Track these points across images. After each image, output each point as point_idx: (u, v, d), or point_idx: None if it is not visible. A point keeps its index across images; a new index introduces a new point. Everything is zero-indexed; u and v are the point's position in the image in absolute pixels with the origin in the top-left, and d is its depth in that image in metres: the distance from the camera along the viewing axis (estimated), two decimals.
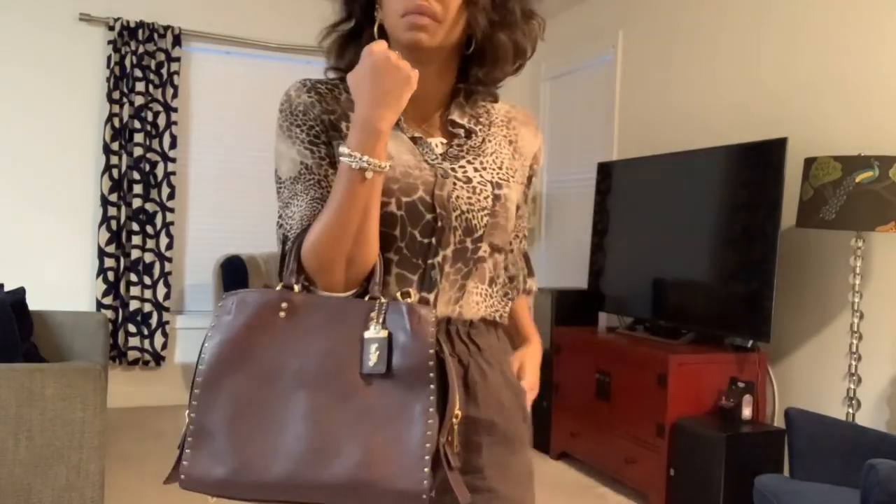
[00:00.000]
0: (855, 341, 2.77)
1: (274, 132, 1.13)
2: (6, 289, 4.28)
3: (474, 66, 1.16)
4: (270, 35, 4.90)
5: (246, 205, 4.93)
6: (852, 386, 2.78)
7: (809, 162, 2.80)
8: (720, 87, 3.75)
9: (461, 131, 1.18)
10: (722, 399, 3.14)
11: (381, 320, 0.99)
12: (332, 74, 1.19)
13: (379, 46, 1.01)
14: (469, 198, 1.13)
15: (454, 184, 1.12)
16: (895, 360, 2.88)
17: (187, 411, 1.00)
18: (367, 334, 0.98)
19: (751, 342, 3.34)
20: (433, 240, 1.10)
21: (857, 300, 2.77)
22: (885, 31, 2.95)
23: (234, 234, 4.92)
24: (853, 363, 2.78)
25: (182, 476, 0.97)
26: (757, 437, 2.99)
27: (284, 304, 1.00)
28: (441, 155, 1.15)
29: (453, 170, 1.14)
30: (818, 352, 3.18)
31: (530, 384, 1.25)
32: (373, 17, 1.15)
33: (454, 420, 0.98)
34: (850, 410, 2.77)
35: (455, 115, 1.17)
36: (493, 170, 1.17)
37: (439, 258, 1.11)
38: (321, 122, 1.11)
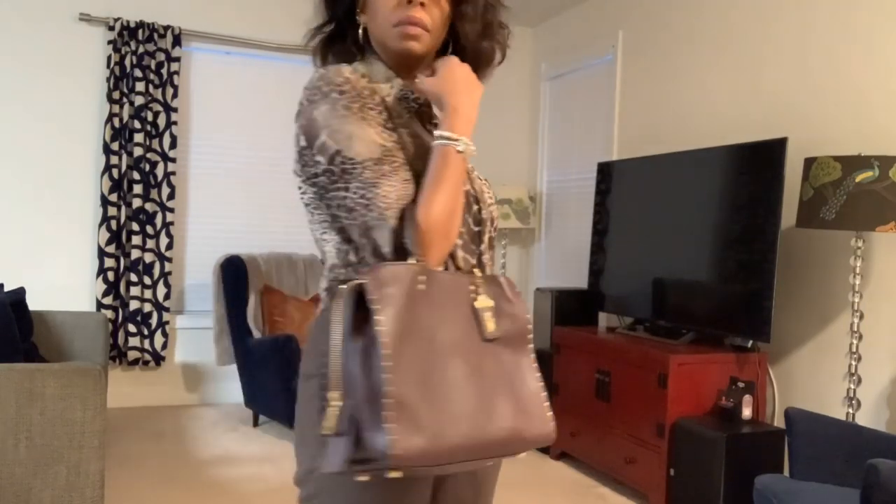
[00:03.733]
0: (855, 341, 2.77)
1: (321, 113, 1.12)
2: (6, 289, 4.28)
3: None
4: (270, 35, 4.90)
5: (246, 205, 4.93)
6: (852, 386, 2.78)
7: (809, 162, 2.80)
8: (720, 87, 3.75)
9: None
10: (722, 399, 3.14)
11: (483, 291, 1.11)
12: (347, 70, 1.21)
13: (454, 56, 1.20)
14: (488, 192, 1.28)
15: (477, 178, 1.27)
16: (895, 360, 2.88)
17: (335, 394, 0.99)
18: (477, 304, 1.09)
19: (751, 342, 3.34)
20: (480, 228, 1.23)
21: (857, 300, 2.77)
22: (886, 32, 2.95)
23: (234, 234, 4.92)
24: (853, 363, 2.78)
25: (394, 452, 0.95)
26: (757, 437, 2.99)
27: (423, 277, 1.06)
28: None
29: (471, 167, 1.27)
30: (818, 352, 3.18)
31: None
32: (354, 20, 1.25)
33: None
34: (850, 410, 2.77)
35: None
36: (493, 170, 1.29)
37: (483, 246, 1.24)
38: (385, 107, 1.17)
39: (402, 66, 1.22)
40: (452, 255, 1.17)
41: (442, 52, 1.26)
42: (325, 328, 1.11)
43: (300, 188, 1.19)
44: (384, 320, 0.99)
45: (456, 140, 1.12)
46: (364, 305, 1.02)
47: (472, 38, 1.25)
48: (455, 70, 1.17)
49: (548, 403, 1.11)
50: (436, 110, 1.23)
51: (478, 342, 1.07)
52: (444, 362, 1.02)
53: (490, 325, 1.09)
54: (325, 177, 1.12)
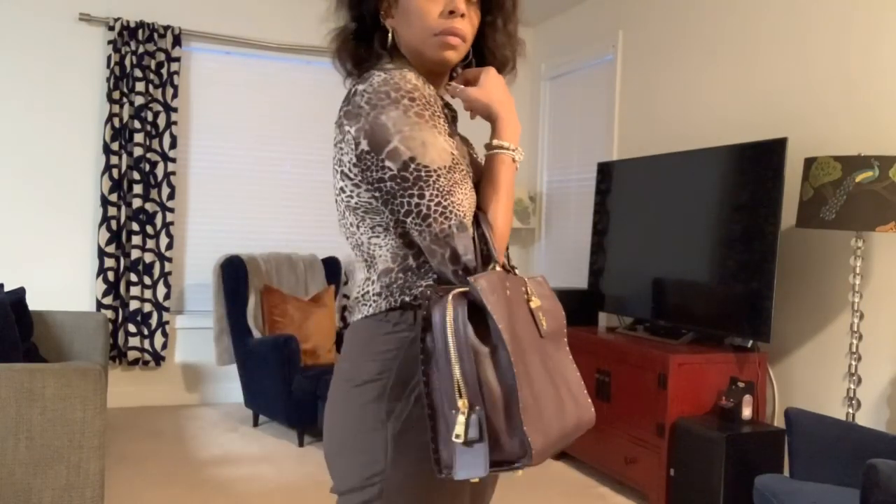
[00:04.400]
0: (855, 341, 2.77)
1: (391, 119, 1.12)
2: (6, 289, 4.28)
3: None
4: (270, 35, 4.90)
5: (246, 205, 4.93)
6: (852, 386, 2.77)
7: (809, 162, 2.80)
8: (720, 86, 3.75)
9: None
10: (722, 399, 3.14)
11: (533, 291, 1.17)
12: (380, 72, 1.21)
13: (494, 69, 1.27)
14: None
15: None
16: (895, 360, 2.88)
17: (462, 402, 1.01)
18: (533, 305, 1.15)
19: (751, 342, 3.34)
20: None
21: (857, 300, 2.77)
22: (886, 31, 2.95)
23: (234, 234, 4.92)
24: (853, 363, 2.78)
25: (535, 450, 1.01)
26: (757, 437, 2.99)
27: (507, 283, 1.11)
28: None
29: None
30: (818, 352, 3.17)
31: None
32: (379, 23, 1.24)
33: None
34: (850, 410, 2.77)
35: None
36: None
37: (508, 250, 1.30)
38: (445, 115, 1.21)
39: (433, 74, 1.25)
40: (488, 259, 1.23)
41: (464, 60, 1.31)
42: (378, 334, 1.15)
43: (347, 191, 1.18)
44: (504, 327, 1.03)
45: (513, 150, 1.20)
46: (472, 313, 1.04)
47: (500, 46, 1.30)
48: (498, 81, 1.25)
49: (586, 391, 1.19)
50: (475, 119, 1.30)
51: (539, 340, 1.13)
52: (532, 362, 1.08)
53: (544, 322, 1.15)
54: (394, 182, 1.12)
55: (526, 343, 1.08)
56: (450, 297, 1.03)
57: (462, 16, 1.19)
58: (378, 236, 1.18)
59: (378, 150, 1.12)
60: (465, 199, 1.12)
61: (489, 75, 1.24)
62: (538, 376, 1.08)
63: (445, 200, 1.11)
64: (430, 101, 1.15)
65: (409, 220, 1.13)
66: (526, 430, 1.00)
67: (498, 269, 1.12)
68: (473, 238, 1.12)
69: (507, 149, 1.19)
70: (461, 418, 1.00)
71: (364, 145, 1.13)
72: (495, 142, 1.19)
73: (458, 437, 1.00)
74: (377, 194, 1.15)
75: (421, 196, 1.11)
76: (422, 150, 1.11)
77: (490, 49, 1.30)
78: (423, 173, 1.11)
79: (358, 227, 1.19)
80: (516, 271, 1.25)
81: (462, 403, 1.01)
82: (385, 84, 1.13)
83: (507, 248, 1.27)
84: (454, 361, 1.01)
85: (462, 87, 1.24)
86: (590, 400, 1.19)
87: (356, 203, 1.17)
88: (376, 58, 1.25)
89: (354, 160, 1.15)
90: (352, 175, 1.16)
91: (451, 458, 1.03)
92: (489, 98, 1.22)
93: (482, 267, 1.12)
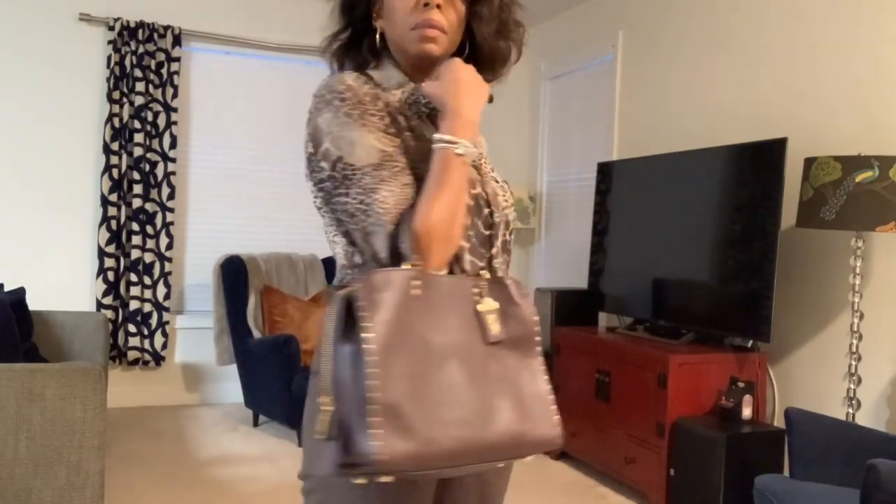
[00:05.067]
0: (855, 341, 2.77)
1: (325, 120, 1.14)
2: (6, 289, 4.28)
3: None
4: (270, 35, 4.90)
5: (246, 205, 4.93)
6: (852, 386, 2.77)
7: (809, 162, 2.80)
8: (720, 86, 3.75)
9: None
10: (722, 399, 3.14)
11: (487, 294, 1.11)
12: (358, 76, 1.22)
13: (459, 59, 1.19)
14: (503, 195, 1.27)
15: (494, 181, 1.26)
16: (895, 360, 2.88)
17: (326, 399, 1.00)
18: (480, 307, 1.09)
19: (751, 342, 3.34)
20: (490, 232, 1.22)
21: (857, 300, 2.77)
22: (886, 31, 2.95)
23: (234, 234, 4.92)
24: (853, 363, 2.78)
25: (379, 457, 0.95)
26: (757, 437, 2.99)
27: (417, 282, 1.05)
28: None
29: (487, 171, 1.26)
30: (818, 352, 3.17)
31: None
32: (371, 26, 1.26)
33: None
34: (850, 410, 2.77)
35: None
36: (497, 170, 1.29)
37: (494, 250, 1.23)
38: (388, 113, 1.17)
39: (420, 70, 1.23)
40: (459, 259, 1.17)
41: (458, 53, 1.26)
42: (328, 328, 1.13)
43: (312, 193, 1.21)
44: (371, 326, 0.99)
45: (455, 143, 1.12)
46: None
47: (487, 37, 1.25)
48: (457, 72, 1.17)
49: (555, 407, 1.10)
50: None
51: (480, 345, 1.07)
52: (440, 366, 1.02)
53: (494, 327, 1.09)
54: (330, 182, 1.14)
55: (442, 346, 1.03)
56: (339, 295, 1.03)
57: (438, 6, 1.18)
58: (336, 235, 1.20)
59: (316, 151, 1.15)
60: (390, 196, 1.11)
61: (448, 67, 1.18)
62: (444, 381, 1.01)
63: (368, 198, 1.11)
64: (365, 100, 1.14)
65: (343, 218, 1.15)
66: (375, 434, 0.95)
67: (407, 266, 1.06)
68: (392, 236, 1.10)
69: (449, 142, 1.12)
70: (321, 415, 1.00)
71: (309, 148, 1.16)
72: (436, 135, 1.13)
73: (317, 433, 1.00)
74: (321, 195, 1.18)
75: (347, 194, 1.12)
76: (349, 149, 1.12)
77: (478, 41, 1.26)
78: (349, 172, 1.12)
79: (325, 227, 1.22)
80: (494, 273, 1.20)
81: (323, 400, 1.00)
82: (323, 87, 1.16)
83: (498, 248, 1.23)
84: (322, 359, 1.02)
85: (426, 81, 1.21)
86: (555, 417, 1.10)
87: (318, 204, 1.21)
88: (363, 61, 1.27)
89: (306, 163, 1.18)
90: (308, 178, 1.20)
91: (310, 452, 1.05)
92: (441, 90, 1.16)
93: (396, 263, 1.10)
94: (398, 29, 1.21)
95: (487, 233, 1.21)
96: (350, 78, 1.16)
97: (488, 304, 1.10)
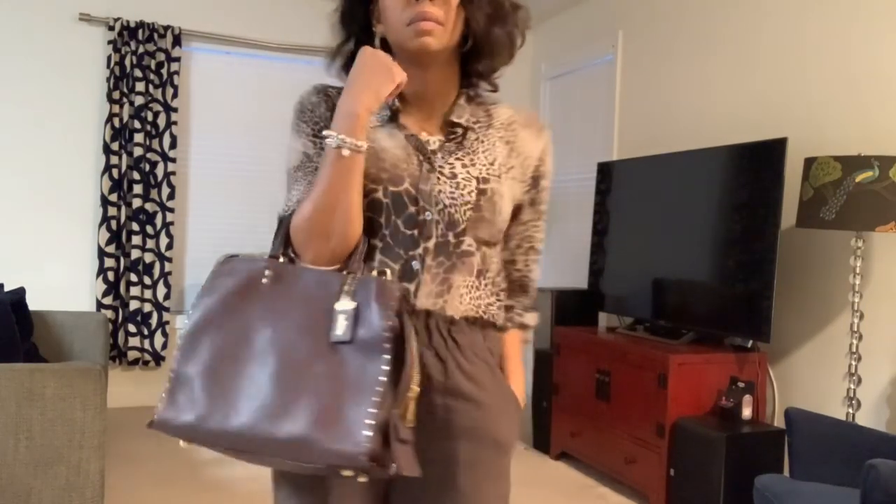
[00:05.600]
0: (855, 341, 2.77)
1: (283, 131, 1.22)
2: (6, 289, 4.28)
3: (473, 61, 1.24)
4: (270, 35, 4.90)
5: (246, 204, 4.93)
6: (852, 386, 2.78)
7: (809, 162, 2.80)
8: (720, 86, 3.75)
9: (459, 130, 1.24)
10: (722, 399, 3.14)
11: (351, 292, 1.06)
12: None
13: (369, 48, 1.14)
14: (452, 192, 1.19)
15: (438, 178, 1.19)
16: (895, 360, 2.88)
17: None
18: (337, 305, 1.05)
19: (751, 342, 3.34)
20: (415, 231, 1.17)
21: (857, 300, 2.77)
22: (886, 31, 2.95)
23: (234, 234, 4.92)
24: (853, 363, 2.78)
25: (154, 418, 1.05)
26: (757, 437, 2.99)
27: (268, 273, 1.09)
28: (432, 151, 1.21)
29: (441, 166, 1.20)
30: (818, 352, 3.18)
31: None
32: (371, 34, 1.24)
33: (409, 394, 1.03)
34: (850, 410, 2.77)
35: (454, 116, 1.24)
36: (483, 166, 1.23)
37: (420, 250, 1.17)
38: (325, 119, 1.20)
39: (422, 66, 1.20)
40: (371, 258, 1.15)
41: (460, 45, 1.22)
42: None
43: None
44: (197, 304, 1.09)
45: (327, 136, 1.09)
46: None
47: (482, 23, 1.20)
48: (357, 64, 1.13)
49: (372, 422, 0.98)
50: None
51: (320, 344, 1.03)
52: (249, 355, 1.05)
53: (339, 328, 1.04)
54: None
55: (264, 337, 1.04)
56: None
57: None
58: None
59: None
60: (296, 194, 1.18)
61: (355, 61, 1.14)
62: (247, 371, 1.03)
63: (285, 197, 1.20)
64: (306, 108, 1.23)
65: None
66: (163, 398, 1.06)
67: (265, 257, 1.11)
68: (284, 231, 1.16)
69: (325, 136, 1.10)
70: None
71: None
72: (325, 132, 1.11)
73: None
74: None
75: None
76: (287, 155, 1.23)
77: (472, 29, 1.20)
78: (287, 175, 1.22)
79: None
80: (414, 275, 1.16)
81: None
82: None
83: (430, 250, 1.17)
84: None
85: None
86: (366, 434, 0.97)
87: None
88: None
89: None
90: None
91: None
92: (347, 84, 1.13)
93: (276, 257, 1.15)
94: (394, 27, 1.18)
95: (409, 232, 1.16)
96: (305, 92, 1.24)
97: (344, 304, 1.05)
